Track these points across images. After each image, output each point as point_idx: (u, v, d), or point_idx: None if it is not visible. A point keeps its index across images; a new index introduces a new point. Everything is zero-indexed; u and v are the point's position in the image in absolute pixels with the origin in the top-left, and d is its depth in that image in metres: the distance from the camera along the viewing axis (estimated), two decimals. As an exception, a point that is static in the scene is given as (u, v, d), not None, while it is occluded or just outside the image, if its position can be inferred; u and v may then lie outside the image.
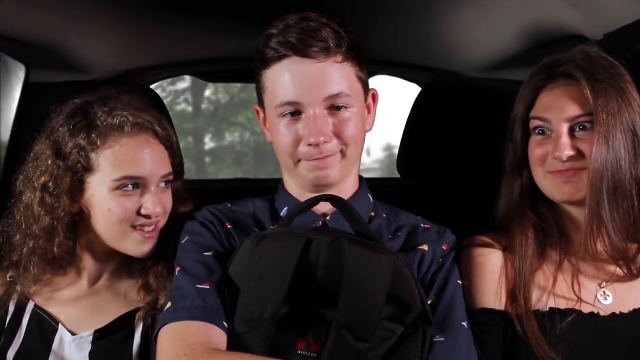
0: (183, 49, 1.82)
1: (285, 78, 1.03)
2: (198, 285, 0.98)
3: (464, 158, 1.45)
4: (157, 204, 1.10)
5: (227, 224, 1.10)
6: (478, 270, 1.10)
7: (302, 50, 1.02)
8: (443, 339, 0.98)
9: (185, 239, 1.08)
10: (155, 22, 1.58)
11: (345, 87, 1.04)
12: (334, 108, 1.04)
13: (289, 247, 0.94)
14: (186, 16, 1.56)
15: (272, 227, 1.10)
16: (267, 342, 0.91)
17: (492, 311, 1.07)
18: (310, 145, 1.04)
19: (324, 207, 1.08)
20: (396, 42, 1.76)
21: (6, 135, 1.57)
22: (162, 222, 1.14)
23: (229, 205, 1.15)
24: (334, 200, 1.03)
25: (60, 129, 1.10)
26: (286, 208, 1.12)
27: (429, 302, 0.99)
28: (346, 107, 1.05)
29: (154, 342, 0.97)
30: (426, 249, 1.07)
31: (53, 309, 1.12)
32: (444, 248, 1.09)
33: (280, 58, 1.03)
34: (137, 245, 1.11)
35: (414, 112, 1.51)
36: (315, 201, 1.03)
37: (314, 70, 1.02)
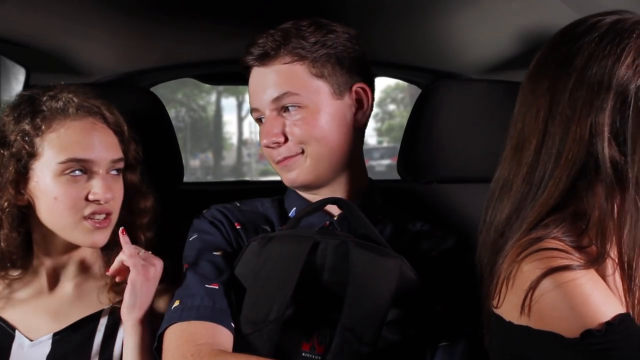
0: (183, 52, 1.82)
1: (249, 87, 1.13)
2: (207, 285, 0.98)
3: (466, 160, 1.44)
4: (106, 188, 1.05)
5: (236, 224, 1.10)
6: (579, 288, 0.85)
7: (250, 59, 1.10)
8: (446, 344, 0.98)
9: (194, 237, 1.08)
10: (155, 25, 1.58)
11: (292, 87, 1.06)
12: (284, 109, 1.07)
13: (295, 250, 0.94)
14: (186, 18, 1.56)
15: (280, 228, 1.11)
16: (272, 343, 0.91)
17: (628, 315, 0.86)
18: (267, 147, 1.09)
19: (332, 208, 1.09)
20: (396, 43, 1.76)
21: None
22: (115, 212, 1.08)
23: (238, 205, 1.15)
24: (340, 203, 1.03)
25: (6, 118, 1.07)
26: (295, 208, 1.12)
27: (435, 309, 0.99)
28: (297, 107, 1.06)
29: (159, 340, 0.97)
30: (434, 255, 1.07)
31: (9, 314, 1.07)
32: (452, 255, 1.09)
33: (245, 70, 1.13)
34: (87, 235, 1.05)
35: (414, 114, 1.51)
36: (322, 204, 1.04)
37: (261, 75, 1.09)
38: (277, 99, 1.06)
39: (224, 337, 0.94)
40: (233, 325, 0.95)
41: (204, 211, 1.13)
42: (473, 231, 1.25)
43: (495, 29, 1.57)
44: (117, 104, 1.35)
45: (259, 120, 1.12)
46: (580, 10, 1.31)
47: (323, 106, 1.07)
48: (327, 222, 1.09)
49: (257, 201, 1.17)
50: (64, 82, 1.63)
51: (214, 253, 1.03)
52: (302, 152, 1.07)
